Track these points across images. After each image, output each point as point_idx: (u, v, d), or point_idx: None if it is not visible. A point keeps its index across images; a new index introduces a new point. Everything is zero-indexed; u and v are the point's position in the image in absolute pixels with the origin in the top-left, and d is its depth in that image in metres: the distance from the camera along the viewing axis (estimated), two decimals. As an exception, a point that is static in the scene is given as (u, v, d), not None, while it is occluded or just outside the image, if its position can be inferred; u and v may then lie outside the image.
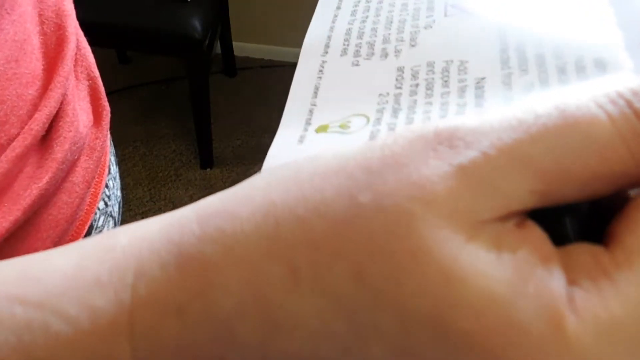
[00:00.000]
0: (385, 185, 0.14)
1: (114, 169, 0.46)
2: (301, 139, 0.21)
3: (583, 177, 0.14)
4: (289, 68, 2.05)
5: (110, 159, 0.44)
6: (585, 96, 0.15)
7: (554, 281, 0.14)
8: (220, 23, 1.79)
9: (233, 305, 0.15)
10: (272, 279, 0.15)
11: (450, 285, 0.13)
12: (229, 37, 1.94)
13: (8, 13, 0.32)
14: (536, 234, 0.14)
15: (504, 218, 0.14)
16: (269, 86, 1.98)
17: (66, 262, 0.17)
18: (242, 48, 2.06)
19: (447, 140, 0.15)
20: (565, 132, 0.14)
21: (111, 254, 0.17)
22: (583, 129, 0.14)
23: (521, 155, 0.14)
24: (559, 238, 0.15)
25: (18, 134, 0.33)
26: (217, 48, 1.94)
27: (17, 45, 0.33)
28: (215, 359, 0.15)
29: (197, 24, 1.53)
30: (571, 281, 0.14)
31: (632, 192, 0.15)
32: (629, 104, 0.14)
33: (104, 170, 0.42)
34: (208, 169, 1.74)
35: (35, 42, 0.34)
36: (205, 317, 0.15)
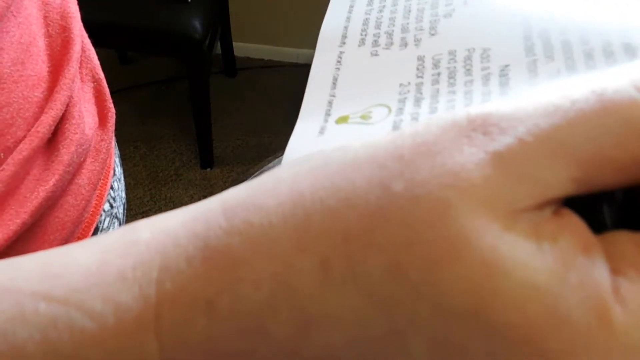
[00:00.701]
0: (418, 173, 0.14)
1: (119, 171, 0.46)
2: (322, 130, 0.21)
3: (623, 163, 0.14)
4: (289, 68, 2.05)
5: (115, 161, 0.44)
6: (623, 79, 0.14)
7: (597, 270, 0.13)
8: (220, 23, 1.79)
9: (263, 299, 0.14)
10: (303, 272, 0.14)
11: (490, 275, 0.13)
12: (229, 38, 1.94)
13: (14, 15, 0.32)
14: (575, 222, 0.14)
15: (541, 206, 0.14)
16: (269, 86, 1.98)
17: (88, 257, 0.17)
18: (242, 48, 2.06)
19: (481, 126, 0.14)
20: (604, 117, 0.14)
21: (134, 249, 0.16)
22: (623, 114, 0.14)
23: (559, 142, 0.14)
24: (596, 226, 0.14)
25: (24, 137, 0.33)
26: (218, 48, 1.94)
27: (23, 47, 0.33)
28: (245, 354, 0.15)
29: (197, 24, 1.53)
30: (615, 271, 0.13)
31: None
32: None
33: (109, 172, 0.42)
34: (208, 169, 1.74)
35: (40, 45, 0.34)
36: (235, 311, 0.15)
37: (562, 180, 0.14)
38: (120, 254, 0.16)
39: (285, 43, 2.03)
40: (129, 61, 2.07)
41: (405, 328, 0.14)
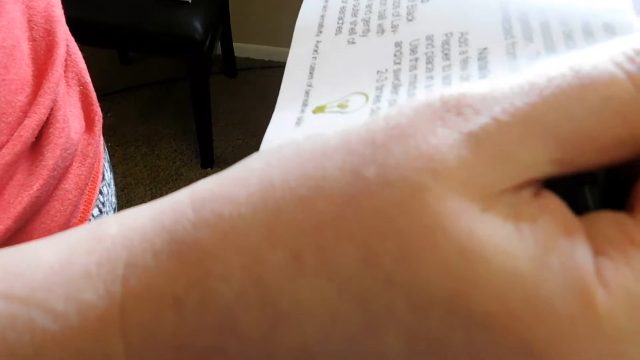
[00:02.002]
0: (390, 157, 0.13)
1: (108, 175, 0.45)
2: (298, 121, 0.20)
3: (604, 141, 0.13)
4: (290, 68, 2.05)
5: (104, 165, 0.44)
6: (601, 56, 0.13)
7: (580, 253, 0.13)
8: (220, 24, 1.79)
9: (233, 294, 0.14)
10: (274, 265, 0.13)
11: (467, 263, 0.12)
12: (229, 38, 1.94)
13: None
14: (555, 203, 0.13)
15: (520, 188, 0.13)
16: (269, 87, 1.98)
17: (52, 255, 0.16)
18: (242, 49, 2.06)
19: (455, 107, 0.13)
20: (582, 94, 0.13)
21: (100, 245, 0.15)
22: (601, 90, 0.13)
23: (536, 121, 0.13)
24: (578, 208, 0.14)
25: (7, 141, 0.32)
26: (218, 49, 1.94)
27: (5, 51, 0.32)
28: (216, 351, 0.14)
29: (197, 25, 1.52)
30: (597, 252, 0.13)
31: None
32: None
33: (97, 176, 0.41)
34: (209, 169, 1.74)
35: (24, 48, 0.34)
36: (204, 307, 0.14)
37: (540, 160, 0.13)
38: (86, 250, 0.16)
39: (285, 44, 2.03)
40: (130, 61, 2.07)
41: (381, 321, 0.13)
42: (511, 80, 0.14)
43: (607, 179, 0.15)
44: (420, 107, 0.14)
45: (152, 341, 0.14)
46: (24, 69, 0.34)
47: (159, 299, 0.14)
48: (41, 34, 0.35)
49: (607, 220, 0.13)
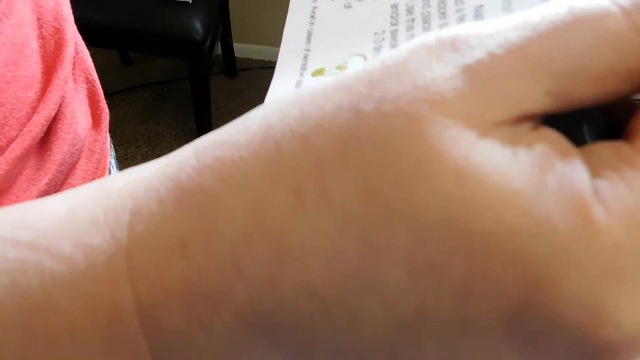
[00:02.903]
0: (387, 92, 0.13)
1: (115, 172, 0.46)
2: (298, 84, 0.21)
3: (599, 74, 0.13)
4: (290, 69, 2.05)
5: (110, 162, 0.45)
6: None
7: (577, 173, 0.13)
8: (221, 25, 1.79)
9: (237, 235, 0.14)
10: (276, 203, 0.13)
11: (464, 186, 0.12)
12: (229, 39, 1.95)
13: (7, 17, 0.32)
14: (552, 133, 0.13)
15: (517, 121, 0.13)
16: (269, 87, 1.99)
17: (59, 205, 0.16)
18: (242, 49, 2.07)
19: (451, 44, 0.14)
20: (576, 27, 0.13)
21: (107, 195, 0.16)
22: (595, 24, 0.13)
23: (530, 54, 0.13)
24: (577, 144, 0.14)
25: (17, 136, 0.33)
26: (218, 49, 1.94)
27: (15, 48, 0.33)
28: (222, 295, 0.14)
29: (198, 25, 1.53)
30: (595, 174, 0.13)
31: None
32: None
33: (104, 172, 0.42)
34: (209, 170, 1.75)
35: (33, 46, 0.35)
36: (209, 249, 0.14)
37: (536, 93, 0.13)
38: (93, 201, 0.16)
39: (285, 44, 2.03)
40: (131, 62, 2.07)
41: (382, 251, 0.13)
42: (506, 19, 0.14)
43: (607, 122, 0.15)
44: (416, 47, 0.14)
45: (160, 285, 0.14)
46: (34, 66, 0.34)
47: (165, 243, 0.14)
48: (50, 32, 0.36)
49: (604, 147, 0.13)
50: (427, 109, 0.13)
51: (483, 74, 0.13)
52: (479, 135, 0.13)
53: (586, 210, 0.12)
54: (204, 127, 1.69)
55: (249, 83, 2.02)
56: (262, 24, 2.04)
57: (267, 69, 2.08)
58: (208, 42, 1.59)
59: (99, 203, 0.16)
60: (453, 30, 0.14)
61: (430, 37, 0.14)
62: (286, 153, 0.14)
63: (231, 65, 2.02)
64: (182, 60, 1.68)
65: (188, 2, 1.55)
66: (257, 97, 1.95)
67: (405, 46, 0.14)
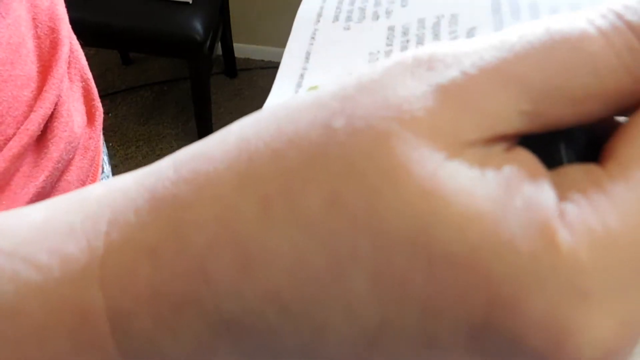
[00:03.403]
0: (358, 109, 0.13)
1: (107, 169, 0.47)
2: None
3: (575, 94, 0.13)
4: (290, 69, 2.06)
5: (103, 159, 0.45)
6: (575, 16, 0.14)
7: (544, 195, 0.13)
8: (221, 25, 1.80)
9: (205, 241, 0.14)
10: (244, 212, 0.14)
11: (429, 203, 0.12)
12: (229, 39, 1.95)
13: (3, 17, 0.33)
14: (524, 155, 0.13)
15: (491, 141, 0.13)
16: (269, 87, 1.98)
17: (38, 214, 0.16)
18: (242, 49, 2.07)
19: (427, 62, 0.14)
20: (552, 47, 0.13)
21: (85, 203, 0.16)
22: (572, 44, 0.13)
23: (505, 73, 0.13)
24: (553, 165, 0.14)
25: (14, 134, 0.34)
26: (218, 49, 1.95)
27: (12, 48, 0.34)
28: (190, 300, 0.14)
29: (198, 26, 1.54)
30: (563, 198, 0.13)
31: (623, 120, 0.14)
32: (620, 16, 0.13)
33: (97, 169, 0.43)
34: (210, 169, 1.75)
35: (29, 46, 0.35)
36: (178, 255, 0.14)
37: (510, 112, 0.13)
38: (71, 209, 0.16)
39: (285, 44, 2.04)
40: (132, 62, 2.08)
41: (346, 262, 0.13)
42: (484, 38, 0.14)
43: (588, 145, 0.15)
44: (392, 64, 0.14)
45: (129, 290, 0.15)
46: (30, 66, 0.35)
47: (136, 250, 0.15)
48: (45, 32, 0.37)
49: (576, 169, 0.13)
50: (397, 127, 0.13)
51: (455, 93, 0.13)
52: (448, 156, 0.13)
53: (550, 232, 0.12)
54: (204, 127, 1.69)
55: (249, 83, 2.03)
56: (262, 24, 2.05)
57: (267, 69, 2.08)
58: (208, 43, 1.59)
59: (77, 212, 0.16)
60: (430, 48, 0.14)
61: (407, 54, 0.14)
62: (257, 164, 0.14)
63: (231, 66, 2.02)
64: (182, 60, 1.68)
65: (188, 3, 1.56)
66: (257, 97, 1.96)
67: (381, 63, 0.14)
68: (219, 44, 1.90)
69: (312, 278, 0.13)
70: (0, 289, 0.15)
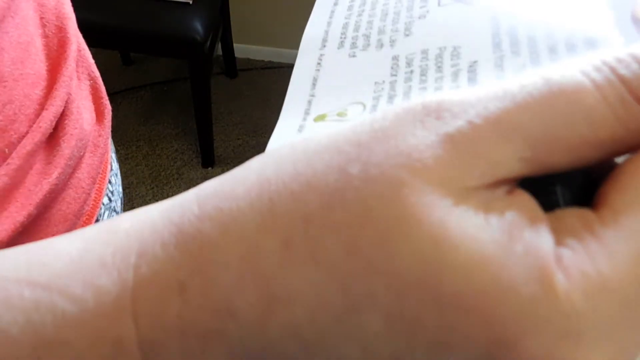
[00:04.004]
0: (373, 156, 0.14)
1: (115, 166, 0.47)
2: (300, 129, 0.22)
3: (571, 142, 0.14)
4: (289, 69, 2.04)
5: (111, 156, 0.46)
6: (571, 67, 0.15)
7: (542, 241, 0.14)
8: (221, 25, 1.80)
9: (231, 280, 0.15)
10: (268, 252, 0.15)
11: (438, 248, 0.13)
12: (230, 39, 1.95)
13: (11, 16, 0.33)
14: (524, 199, 0.14)
15: (493, 186, 0.14)
16: (269, 87, 1.99)
17: (71, 247, 0.17)
18: (242, 50, 2.07)
19: (435, 111, 0.15)
20: (551, 99, 0.14)
21: (114, 236, 0.17)
22: (568, 96, 0.14)
23: (507, 123, 0.14)
24: (550, 206, 0.15)
25: (27, 132, 0.34)
26: (219, 50, 1.95)
27: (21, 47, 0.34)
28: (216, 334, 0.15)
29: (198, 26, 1.54)
30: (559, 242, 0.14)
31: (620, 160, 0.15)
32: (613, 70, 0.14)
33: (106, 166, 0.43)
34: (209, 168, 1.75)
35: (38, 45, 0.36)
36: (205, 292, 0.15)
37: (511, 159, 0.14)
38: (101, 242, 0.17)
39: (285, 45, 2.04)
40: (132, 62, 2.08)
41: (362, 303, 0.14)
42: (488, 87, 0.15)
43: (585, 184, 0.16)
44: (402, 112, 0.15)
45: (160, 323, 0.16)
46: (39, 64, 0.35)
47: (166, 284, 0.16)
48: (53, 31, 0.37)
49: (572, 214, 0.14)
50: (408, 175, 0.14)
51: (462, 142, 0.14)
52: (455, 202, 0.14)
53: (548, 276, 0.13)
54: (204, 127, 1.70)
55: (249, 83, 2.03)
56: (263, 25, 2.05)
57: (267, 69, 2.09)
58: (208, 43, 1.60)
59: (108, 245, 0.17)
60: (438, 96, 0.15)
61: (416, 102, 0.15)
62: (278, 206, 0.15)
63: (231, 66, 2.03)
64: (182, 60, 1.68)
65: (189, 3, 1.56)
66: (257, 97, 1.96)
67: (392, 109, 0.15)
68: (219, 44, 1.90)
69: (331, 316, 0.14)
70: (41, 319, 0.16)
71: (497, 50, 0.21)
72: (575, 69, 0.15)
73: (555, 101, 0.14)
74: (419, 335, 0.14)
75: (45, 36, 0.37)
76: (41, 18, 0.37)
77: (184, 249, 0.16)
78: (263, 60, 2.11)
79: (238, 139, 1.85)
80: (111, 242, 0.17)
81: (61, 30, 0.37)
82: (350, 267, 0.14)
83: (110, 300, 0.16)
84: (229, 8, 1.81)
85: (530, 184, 0.15)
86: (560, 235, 0.14)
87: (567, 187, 0.15)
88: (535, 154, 0.14)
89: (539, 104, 0.14)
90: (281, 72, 2.04)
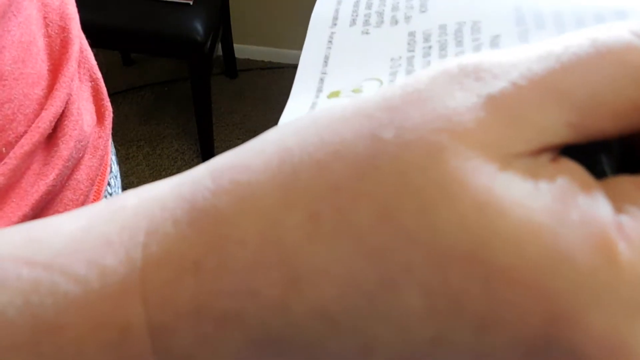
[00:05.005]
0: (408, 120, 0.13)
1: (115, 168, 0.47)
2: (313, 106, 0.21)
3: (620, 107, 0.13)
4: (289, 70, 2.06)
5: (111, 158, 0.45)
6: (618, 27, 0.13)
7: (600, 208, 0.13)
8: (221, 26, 1.80)
9: (251, 258, 0.14)
10: (291, 227, 0.13)
11: (486, 217, 0.12)
12: (230, 40, 1.95)
13: (14, 15, 0.33)
14: (572, 166, 0.13)
15: (537, 153, 0.13)
16: (269, 87, 1.99)
17: (73, 225, 0.16)
18: (243, 50, 2.07)
19: (473, 72, 0.14)
20: (598, 60, 0.13)
21: (121, 214, 0.16)
22: (617, 57, 0.13)
23: (553, 86, 0.13)
24: (596, 175, 0.14)
25: (25, 132, 0.34)
26: (219, 50, 1.95)
27: (23, 46, 0.34)
28: (234, 316, 0.14)
29: (199, 26, 1.54)
30: (617, 209, 0.13)
31: None
32: None
33: (106, 168, 0.43)
34: (210, 169, 1.75)
35: (40, 44, 0.35)
36: (222, 271, 0.14)
37: (557, 124, 0.13)
38: (106, 220, 0.16)
39: (285, 45, 2.04)
40: (133, 63, 2.08)
41: (399, 277, 0.13)
42: (528, 48, 0.14)
43: (623, 149, 0.15)
44: (437, 74, 0.14)
45: (171, 305, 0.14)
46: (40, 64, 0.35)
47: (178, 264, 0.14)
48: (56, 31, 0.37)
49: (625, 181, 0.13)
50: (448, 139, 0.13)
51: (506, 105, 0.13)
52: (500, 167, 0.13)
53: (609, 245, 0.12)
54: (204, 127, 1.70)
55: (250, 84, 2.03)
56: (263, 25, 2.05)
57: (267, 69, 2.09)
58: (209, 43, 1.60)
59: (113, 222, 0.15)
60: (475, 57, 0.14)
61: (451, 63, 0.14)
62: (303, 178, 0.14)
63: (232, 66, 2.03)
64: (183, 61, 1.69)
65: (189, 4, 1.56)
66: (257, 97, 1.96)
67: (425, 72, 0.14)
68: (220, 44, 1.90)
69: (363, 293, 0.13)
70: (40, 301, 0.15)
71: (521, 24, 0.20)
72: (623, 29, 0.13)
73: (602, 63, 0.13)
74: (463, 313, 0.13)
75: (48, 36, 0.36)
76: (44, 18, 0.36)
77: (198, 226, 0.14)
78: (263, 61, 2.11)
79: (238, 139, 1.85)
80: (117, 219, 0.16)
81: (64, 30, 0.37)
82: (385, 239, 0.13)
83: (117, 281, 0.15)
84: (229, 8, 1.81)
85: (572, 154, 0.14)
86: (616, 202, 0.13)
87: (609, 154, 0.14)
88: (583, 119, 0.13)
89: (585, 66, 0.13)
90: (281, 73, 2.04)
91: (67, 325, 0.15)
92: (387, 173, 0.13)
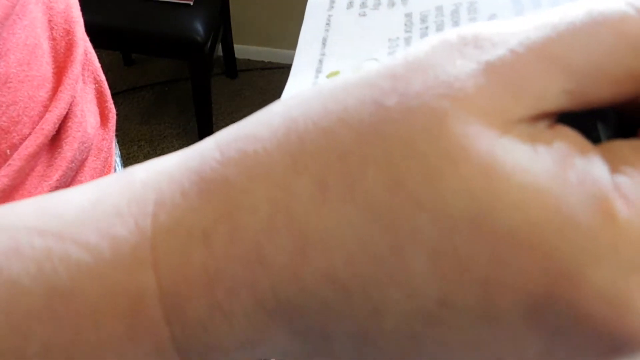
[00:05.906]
0: (410, 87, 0.14)
1: (120, 170, 0.47)
2: (313, 86, 0.21)
3: (616, 75, 0.13)
4: (289, 70, 2.06)
5: (115, 160, 0.46)
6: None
7: (597, 169, 0.13)
8: (221, 26, 1.80)
9: (260, 224, 0.14)
10: (299, 193, 0.14)
11: (489, 180, 0.13)
12: (230, 40, 1.95)
13: (20, 18, 0.33)
14: (568, 131, 0.14)
15: (536, 119, 0.13)
16: (269, 87, 2.00)
17: (82, 197, 0.16)
18: (243, 50, 2.07)
19: (472, 41, 0.14)
20: (594, 29, 0.13)
21: (130, 186, 0.16)
22: (613, 26, 0.13)
23: (551, 53, 0.13)
24: (592, 142, 0.14)
25: (30, 134, 0.34)
26: (219, 50, 1.95)
27: (28, 49, 0.34)
28: (245, 284, 0.14)
29: (199, 27, 1.54)
30: (614, 170, 0.13)
31: None
32: None
33: (110, 170, 0.43)
34: (210, 170, 1.76)
35: (45, 47, 0.36)
36: (232, 239, 0.14)
37: (555, 92, 0.13)
38: (115, 192, 0.16)
39: (285, 45, 2.04)
40: (133, 63, 2.08)
41: (406, 242, 0.13)
42: (526, 18, 0.14)
43: (620, 121, 0.15)
44: (437, 43, 0.14)
45: (183, 274, 0.14)
46: (45, 67, 0.36)
47: (188, 233, 0.14)
48: (61, 34, 0.37)
49: (621, 144, 0.14)
50: (449, 105, 0.13)
51: (505, 71, 0.13)
52: (500, 132, 0.13)
53: (608, 205, 0.12)
54: (204, 127, 1.70)
55: (249, 84, 2.03)
56: (263, 26, 2.05)
57: (267, 70, 2.09)
58: (209, 44, 1.60)
59: (122, 194, 0.16)
60: (474, 27, 0.14)
61: (451, 33, 0.14)
62: (309, 145, 0.14)
63: (232, 66, 2.03)
64: (183, 61, 1.69)
65: (189, 4, 1.56)
66: (257, 97, 1.96)
67: (425, 42, 0.14)
68: (220, 45, 1.91)
69: (372, 257, 0.13)
70: (53, 269, 0.15)
71: (517, 3, 0.20)
72: (621, 0, 0.14)
73: (599, 32, 0.13)
74: (469, 273, 0.13)
75: (53, 39, 0.37)
76: (49, 21, 0.37)
77: (207, 196, 0.15)
78: (263, 61, 2.11)
79: (238, 139, 1.85)
80: (126, 191, 0.16)
81: (69, 33, 0.38)
82: (392, 203, 0.13)
83: (128, 250, 0.15)
84: (229, 9, 1.81)
85: (568, 121, 0.14)
86: (613, 164, 0.13)
87: (605, 122, 0.15)
88: (580, 87, 0.13)
89: (582, 34, 0.13)
90: (281, 73, 2.05)
91: (81, 292, 0.15)
92: (391, 139, 0.13)
